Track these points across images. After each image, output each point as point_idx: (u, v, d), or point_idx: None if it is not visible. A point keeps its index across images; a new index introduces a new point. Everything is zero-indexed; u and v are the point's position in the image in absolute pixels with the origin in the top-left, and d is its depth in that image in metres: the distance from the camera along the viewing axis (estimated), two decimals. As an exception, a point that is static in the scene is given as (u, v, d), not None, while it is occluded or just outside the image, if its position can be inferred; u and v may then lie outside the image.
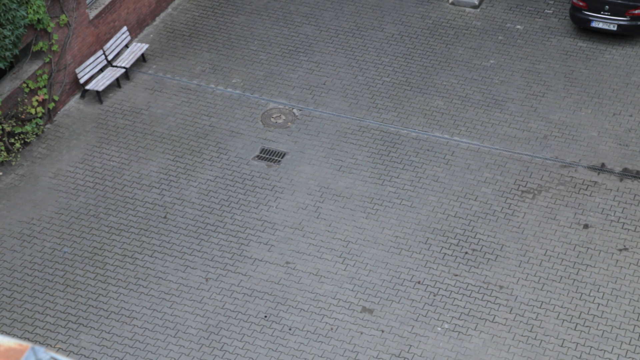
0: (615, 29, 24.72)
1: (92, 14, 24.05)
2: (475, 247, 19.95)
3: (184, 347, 18.27)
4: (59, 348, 18.35)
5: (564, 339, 18.11)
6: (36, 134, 22.77)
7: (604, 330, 18.26)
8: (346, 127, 22.96)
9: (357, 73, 24.50)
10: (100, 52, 24.30)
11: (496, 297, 18.95)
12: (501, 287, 19.14)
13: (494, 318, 18.56)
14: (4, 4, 20.54)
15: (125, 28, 25.12)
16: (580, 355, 17.83)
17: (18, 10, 20.88)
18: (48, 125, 23.24)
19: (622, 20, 24.59)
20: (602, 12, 24.66)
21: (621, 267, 19.44)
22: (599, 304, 18.73)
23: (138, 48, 24.96)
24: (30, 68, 22.41)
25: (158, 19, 26.69)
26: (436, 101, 23.61)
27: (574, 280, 19.23)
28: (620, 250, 19.78)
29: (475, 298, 18.94)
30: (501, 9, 26.62)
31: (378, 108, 23.35)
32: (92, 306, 19.09)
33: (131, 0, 25.33)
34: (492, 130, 22.70)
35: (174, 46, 25.71)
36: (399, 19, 26.37)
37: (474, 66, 24.63)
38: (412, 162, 21.97)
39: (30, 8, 21.35)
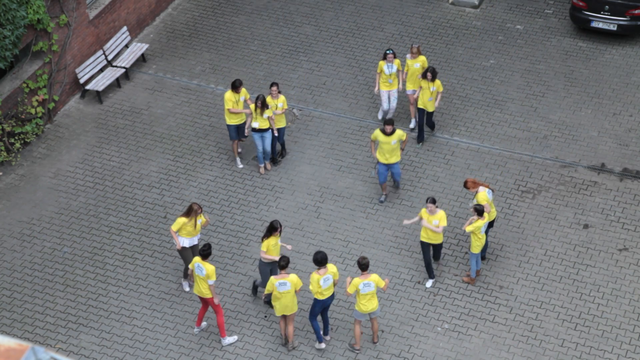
0: (615, 29, 24.71)
1: (92, 14, 24.04)
2: (475, 247, 19.93)
3: (184, 347, 18.27)
4: (59, 348, 18.34)
5: (564, 339, 18.11)
6: (36, 134, 22.77)
7: (604, 330, 18.26)
8: (346, 127, 22.95)
9: (357, 73, 24.50)
10: (100, 52, 24.29)
11: (496, 297, 18.95)
12: (501, 287, 19.13)
13: (494, 318, 18.56)
14: (4, 4, 20.54)
15: (125, 28, 25.11)
16: (580, 355, 17.82)
17: (18, 10, 20.88)
18: (48, 125, 23.24)
19: (622, 20, 24.59)
20: (602, 12, 24.66)
21: (621, 267, 19.44)
22: (599, 304, 18.73)
23: (138, 48, 24.96)
24: (30, 68, 22.41)
25: (158, 19, 26.68)
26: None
27: (574, 280, 19.22)
28: (620, 250, 19.78)
29: (475, 298, 18.94)
30: (501, 9, 26.61)
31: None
32: (92, 306, 19.09)
33: (131, 0, 25.33)
34: (492, 130, 22.69)
35: (174, 46, 25.70)
36: (399, 19, 26.36)
37: (474, 66, 24.62)
38: (412, 162, 21.96)
39: (30, 8, 21.35)
